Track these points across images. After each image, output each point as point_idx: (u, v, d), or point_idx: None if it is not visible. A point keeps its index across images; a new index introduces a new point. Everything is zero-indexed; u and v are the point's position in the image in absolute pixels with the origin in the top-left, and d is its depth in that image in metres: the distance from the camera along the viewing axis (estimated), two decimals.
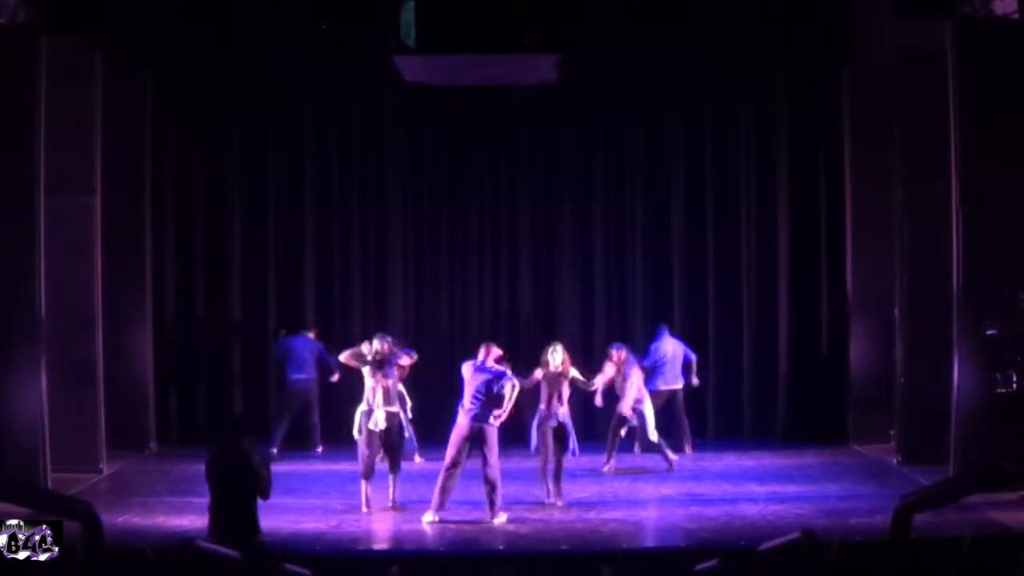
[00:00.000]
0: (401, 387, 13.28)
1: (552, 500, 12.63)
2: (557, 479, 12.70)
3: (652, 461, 14.56)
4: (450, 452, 12.01)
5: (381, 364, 12.52)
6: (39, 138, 13.13)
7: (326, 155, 17.18)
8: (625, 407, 14.28)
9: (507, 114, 17.14)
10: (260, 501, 9.30)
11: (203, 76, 16.70)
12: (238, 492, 9.25)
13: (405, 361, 13.07)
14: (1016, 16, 12.98)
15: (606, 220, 17.30)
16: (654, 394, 14.86)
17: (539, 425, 12.80)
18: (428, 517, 11.81)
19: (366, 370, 12.54)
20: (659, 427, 14.57)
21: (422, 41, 12.90)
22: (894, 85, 14.84)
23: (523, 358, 16.50)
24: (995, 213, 12.88)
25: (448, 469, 11.94)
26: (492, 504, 11.89)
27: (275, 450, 15.50)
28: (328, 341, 16.18)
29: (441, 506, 11.87)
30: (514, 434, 15.38)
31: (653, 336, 15.78)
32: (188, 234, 17.01)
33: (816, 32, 15.91)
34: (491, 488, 11.88)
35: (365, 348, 12.71)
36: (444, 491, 11.89)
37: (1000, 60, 12.90)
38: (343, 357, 12.95)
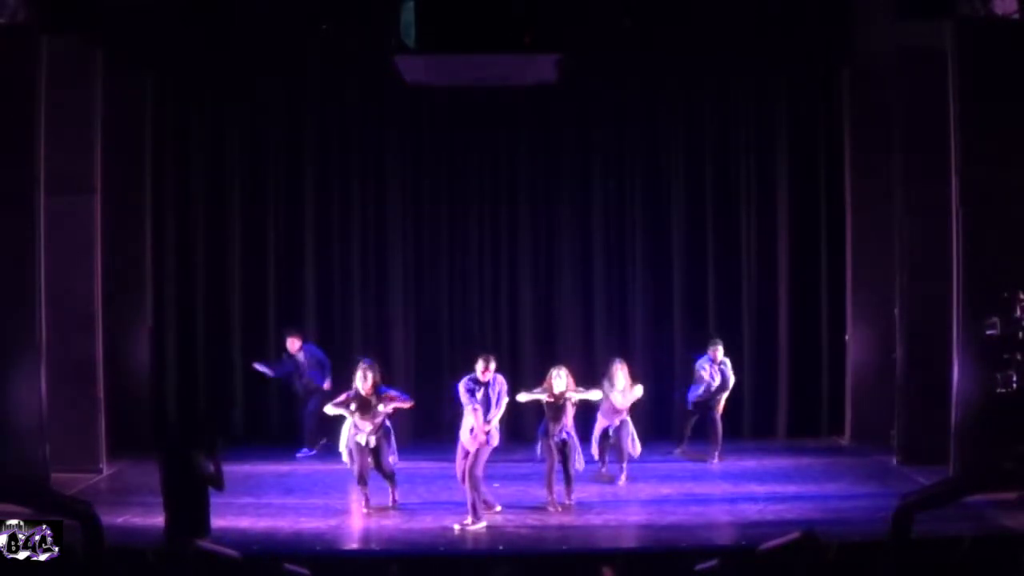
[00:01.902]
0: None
1: (561, 501, 12.57)
2: (568, 482, 12.71)
3: (652, 462, 14.55)
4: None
5: (367, 407, 12.44)
6: (39, 138, 13.14)
7: (326, 155, 17.13)
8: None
9: (507, 114, 17.08)
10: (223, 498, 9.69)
11: (203, 76, 16.67)
12: (185, 492, 9.41)
13: (399, 404, 12.67)
14: (1016, 16, 12.98)
15: (606, 220, 17.25)
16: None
17: (543, 438, 12.82)
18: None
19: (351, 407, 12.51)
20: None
21: (422, 41, 12.90)
22: (894, 85, 14.84)
23: (522, 358, 16.64)
24: (995, 213, 12.89)
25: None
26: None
27: (324, 441, 15.32)
28: (329, 342, 16.21)
29: (489, 506, 12.19)
30: (514, 434, 15.40)
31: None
32: (188, 234, 16.98)
33: (816, 32, 15.91)
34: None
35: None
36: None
37: (1000, 60, 12.90)
38: (330, 409, 12.78)
